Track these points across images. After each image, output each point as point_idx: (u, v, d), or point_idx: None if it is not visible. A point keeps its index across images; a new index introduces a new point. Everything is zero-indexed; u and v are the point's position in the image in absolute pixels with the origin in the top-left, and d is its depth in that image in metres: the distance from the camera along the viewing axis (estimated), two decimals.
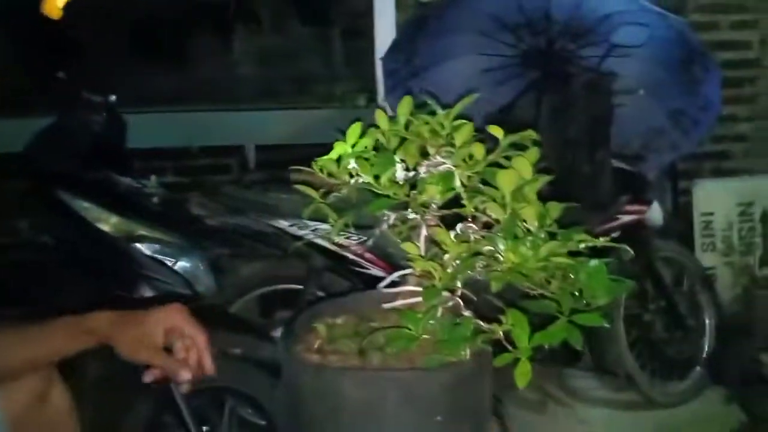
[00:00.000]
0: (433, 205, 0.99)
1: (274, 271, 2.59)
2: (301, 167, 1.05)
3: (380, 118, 1.03)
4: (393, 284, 1.07)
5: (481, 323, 0.90)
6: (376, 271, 2.40)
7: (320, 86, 3.73)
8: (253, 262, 2.59)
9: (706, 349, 3.00)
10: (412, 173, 1.02)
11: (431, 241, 1.00)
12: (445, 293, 0.94)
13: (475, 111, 1.20)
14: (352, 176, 1.01)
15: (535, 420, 2.75)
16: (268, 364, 1.89)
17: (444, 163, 0.99)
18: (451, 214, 0.99)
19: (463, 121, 1.00)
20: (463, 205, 0.97)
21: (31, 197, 2.45)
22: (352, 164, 1.00)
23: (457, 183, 0.96)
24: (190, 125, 3.30)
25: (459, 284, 0.96)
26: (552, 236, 0.91)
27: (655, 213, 2.89)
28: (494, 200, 0.93)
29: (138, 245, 2.23)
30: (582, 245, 0.91)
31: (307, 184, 1.05)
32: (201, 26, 3.67)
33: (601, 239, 0.94)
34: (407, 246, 0.99)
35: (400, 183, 1.01)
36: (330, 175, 1.03)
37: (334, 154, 1.03)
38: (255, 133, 3.32)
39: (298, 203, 1.09)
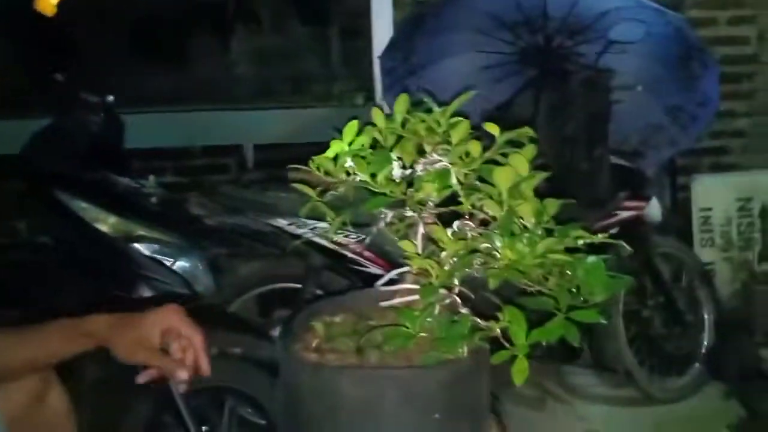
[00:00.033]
0: (430, 203, 0.99)
1: (273, 270, 2.59)
2: (299, 166, 1.05)
3: (377, 116, 1.03)
4: (391, 282, 1.07)
5: (479, 320, 0.90)
6: (375, 270, 2.40)
7: (318, 85, 3.73)
8: (251, 262, 2.59)
9: (705, 344, 3.00)
10: (409, 171, 1.02)
11: (428, 239, 1.00)
12: (443, 291, 0.94)
13: (473, 109, 1.20)
14: (349, 174, 1.01)
15: (535, 417, 2.75)
16: (268, 363, 1.89)
17: (440, 160, 0.99)
18: (449, 211, 0.99)
19: (460, 118, 1.00)
20: (460, 203, 0.97)
21: (29, 198, 2.45)
22: (349, 162, 1.00)
23: (454, 180, 0.96)
24: (189, 125, 3.30)
25: (456, 282, 0.95)
26: (549, 233, 0.91)
27: (653, 209, 2.89)
28: (491, 197, 0.93)
29: (136, 245, 2.23)
30: (580, 242, 0.91)
31: (304, 183, 1.05)
32: (199, 26, 3.67)
33: (600, 235, 0.94)
34: (404, 244, 0.99)
35: (397, 181, 1.00)
36: (327, 173, 1.03)
37: (330, 153, 1.03)
38: (253, 132, 3.32)
39: (297, 202, 1.09)
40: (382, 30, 3.29)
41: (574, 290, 0.87)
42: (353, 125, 1.03)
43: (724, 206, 3.49)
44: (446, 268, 0.94)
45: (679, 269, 3.04)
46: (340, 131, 1.04)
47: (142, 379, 1.17)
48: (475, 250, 0.93)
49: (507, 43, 2.86)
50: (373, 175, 0.98)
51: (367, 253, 2.38)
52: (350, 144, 1.02)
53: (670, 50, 2.71)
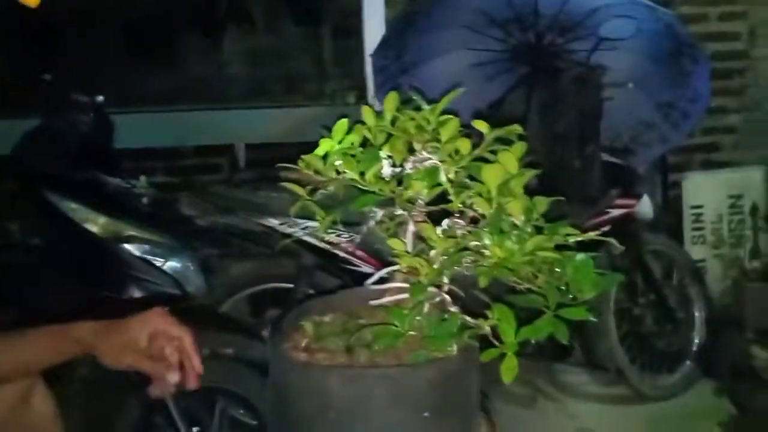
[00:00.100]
0: (420, 201, 0.99)
1: (265, 270, 2.59)
2: (290, 165, 1.04)
3: (367, 114, 1.02)
4: (382, 281, 1.07)
5: (468, 318, 0.90)
6: (367, 269, 2.40)
7: (310, 84, 3.73)
8: (243, 262, 2.59)
9: (696, 342, 3.01)
10: (399, 169, 1.02)
11: (418, 237, 0.99)
12: (432, 289, 0.94)
13: (464, 107, 1.20)
14: (338, 173, 1.01)
15: (526, 415, 2.76)
16: (259, 363, 1.88)
17: (430, 158, 0.99)
18: (439, 210, 0.98)
19: (449, 116, 1.00)
20: (450, 201, 0.96)
21: (19, 199, 2.43)
22: (339, 161, 1.00)
23: (443, 178, 0.96)
24: (181, 125, 3.29)
25: (446, 280, 0.95)
26: (539, 230, 0.90)
27: (644, 206, 2.90)
28: (480, 195, 0.92)
29: (127, 246, 2.21)
30: (571, 239, 0.91)
31: (295, 182, 1.04)
32: (190, 25, 3.66)
33: (591, 233, 0.93)
34: (393, 242, 0.99)
35: (387, 179, 1.00)
36: (316, 172, 1.02)
37: (320, 151, 1.03)
38: (245, 131, 3.32)
39: (288, 202, 1.08)
40: (374, 29, 3.29)
41: (563, 288, 0.87)
42: (343, 123, 1.03)
43: (715, 203, 3.50)
44: (436, 266, 0.94)
45: (670, 267, 3.05)
46: (330, 130, 1.04)
47: (154, 393, 1.17)
48: (464, 248, 0.92)
49: (498, 41, 2.86)
50: (362, 174, 0.98)
51: (359, 253, 2.38)
52: (340, 142, 1.02)
53: (660, 47, 2.72)
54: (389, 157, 1.01)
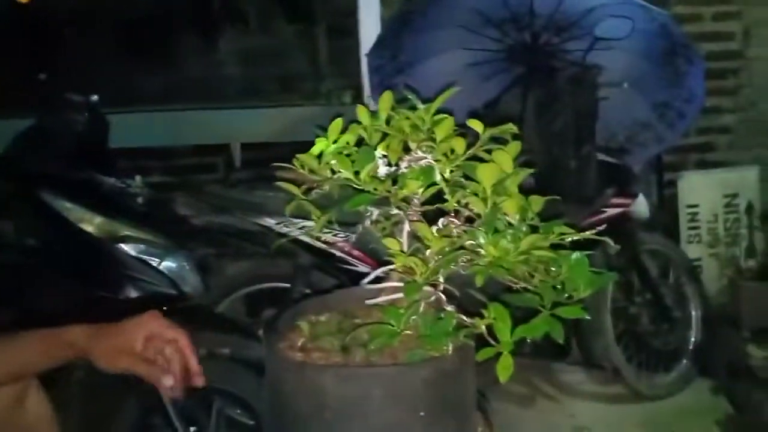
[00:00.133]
0: (415, 200, 0.99)
1: (261, 270, 2.59)
2: (285, 165, 1.04)
3: (361, 113, 1.02)
4: (377, 280, 1.07)
5: (464, 318, 0.90)
6: (363, 268, 2.40)
7: (306, 84, 3.73)
8: (239, 261, 2.58)
9: (693, 341, 3.02)
10: (394, 168, 1.02)
11: (414, 237, 0.99)
12: (427, 288, 0.94)
13: (460, 106, 1.20)
14: (333, 172, 1.01)
15: (523, 414, 2.76)
16: (256, 363, 1.88)
17: (425, 157, 0.99)
18: (434, 209, 0.98)
19: (444, 115, 1.00)
20: (446, 200, 0.96)
21: (13, 199, 2.42)
22: (334, 160, 1.00)
23: (438, 177, 0.96)
24: (176, 124, 3.29)
25: (441, 279, 0.95)
26: (534, 230, 0.91)
27: (640, 206, 2.90)
28: (476, 194, 0.92)
29: (123, 246, 2.20)
30: (566, 239, 0.91)
31: (291, 182, 1.04)
32: (185, 25, 3.66)
33: (587, 232, 0.94)
34: (388, 242, 0.98)
35: (382, 179, 1.00)
36: (312, 171, 1.02)
37: (315, 151, 1.03)
38: (241, 131, 3.31)
39: (284, 201, 1.08)
40: (369, 28, 3.29)
41: (558, 287, 0.87)
42: (338, 123, 1.03)
43: (710, 203, 3.51)
44: (431, 265, 0.94)
45: (666, 266, 3.06)
46: (325, 130, 1.04)
47: (173, 394, 1.16)
48: (460, 247, 0.92)
49: (494, 41, 2.87)
50: (357, 173, 0.98)
51: (355, 252, 2.38)
52: (335, 142, 1.02)
53: (655, 46, 2.72)
54: (384, 156, 1.01)
